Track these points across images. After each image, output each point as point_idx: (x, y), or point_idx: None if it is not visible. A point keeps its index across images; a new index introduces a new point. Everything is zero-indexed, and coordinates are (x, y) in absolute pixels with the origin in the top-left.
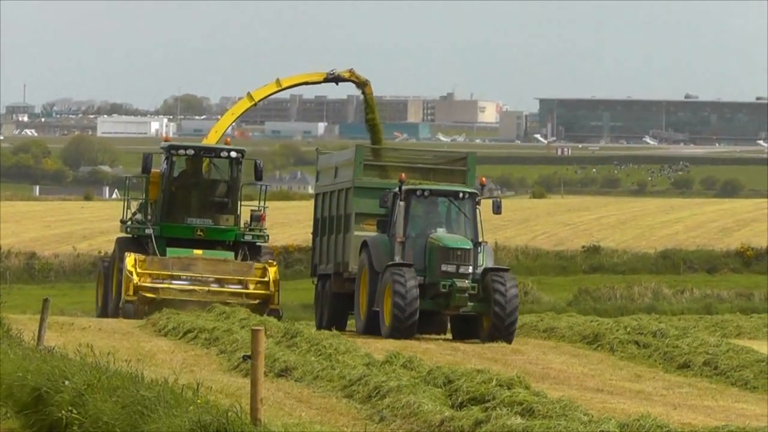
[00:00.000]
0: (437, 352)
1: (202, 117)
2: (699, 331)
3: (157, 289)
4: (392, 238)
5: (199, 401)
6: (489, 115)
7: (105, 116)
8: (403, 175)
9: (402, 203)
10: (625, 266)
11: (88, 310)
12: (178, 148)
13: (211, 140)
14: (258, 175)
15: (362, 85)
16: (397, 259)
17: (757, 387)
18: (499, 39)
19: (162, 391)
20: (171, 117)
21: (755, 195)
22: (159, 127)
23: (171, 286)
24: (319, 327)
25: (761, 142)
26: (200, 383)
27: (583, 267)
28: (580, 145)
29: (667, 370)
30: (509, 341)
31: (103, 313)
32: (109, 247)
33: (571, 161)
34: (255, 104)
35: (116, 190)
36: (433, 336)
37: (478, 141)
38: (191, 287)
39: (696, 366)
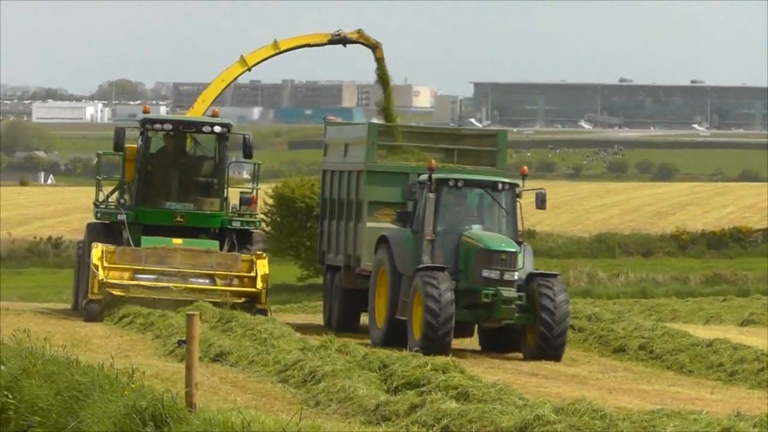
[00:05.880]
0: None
1: (137, 102)
2: (634, 314)
3: (127, 286)
4: (417, 234)
5: (134, 386)
6: (423, 100)
7: (40, 102)
8: (433, 161)
9: (432, 195)
10: (560, 250)
11: (24, 295)
12: (154, 122)
13: (197, 111)
14: (247, 152)
15: (372, 47)
16: (426, 260)
17: (693, 371)
18: (434, 23)
19: (97, 376)
20: (106, 102)
21: (690, 179)
22: (94, 112)
23: (142, 283)
24: (328, 325)
25: (696, 125)
26: (135, 368)
27: None
28: (515, 129)
29: (603, 354)
30: (557, 358)
31: (76, 306)
32: (44, 233)
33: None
34: (249, 69)
35: (51, 176)
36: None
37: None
38: (166, 284)
39: (631, 350)
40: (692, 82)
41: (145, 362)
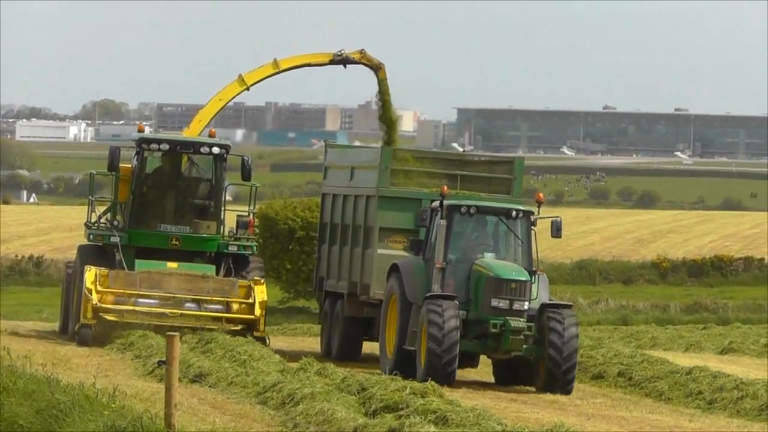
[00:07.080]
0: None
1: (120, 122)
2: (614, 341)
3: (121, 311)
4: (429, 262)
5: (113, 406)
6: (407, 124)
7: (24, 120)
8: (446, 187)
9: (443, 222)
10: None
11: (5, 314)
12: (150, 141)
13: (193, 131)
14: (245, 174)
15: (375, 68)
16: (436, 288)
17: (672, 398)
18: (419, 48)
19: (77, 395)
20: (89, 122)
21: (672, 206)
22: (77, 131)
23: (137, 308)
24: (327, 354)
25: (679, 153)
26: (115, 388)
27: None
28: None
29: (581, 380)
30: (567, 391)
31: (64, 329)
32: (26, 252)
33: None
34: (247, 88)
35: (34, 195)
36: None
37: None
38: (161, 309)
39: (610, 376)
40: (676, 110)
41: (125, 382)
